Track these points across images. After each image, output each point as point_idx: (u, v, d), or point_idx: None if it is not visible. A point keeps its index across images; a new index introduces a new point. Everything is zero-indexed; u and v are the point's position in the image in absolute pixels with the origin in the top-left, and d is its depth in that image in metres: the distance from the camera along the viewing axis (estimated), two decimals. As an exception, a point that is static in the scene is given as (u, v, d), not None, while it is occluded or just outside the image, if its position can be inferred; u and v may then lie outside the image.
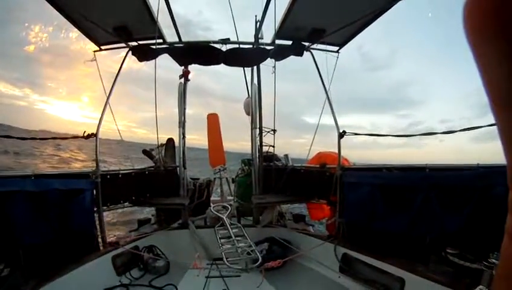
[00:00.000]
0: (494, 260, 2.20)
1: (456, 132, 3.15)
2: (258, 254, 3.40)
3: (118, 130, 4.86)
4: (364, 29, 3.94)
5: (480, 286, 2.13)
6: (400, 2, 3.22)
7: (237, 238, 3.77)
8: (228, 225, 4.12)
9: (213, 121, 6.18)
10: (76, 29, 3.87)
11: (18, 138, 3.79)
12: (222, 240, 3.74)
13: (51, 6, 3.50)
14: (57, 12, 3.48)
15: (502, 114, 0.29)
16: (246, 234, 3.88)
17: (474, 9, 0.27)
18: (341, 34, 4.08)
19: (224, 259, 3.30)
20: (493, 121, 0.30)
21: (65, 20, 3.63)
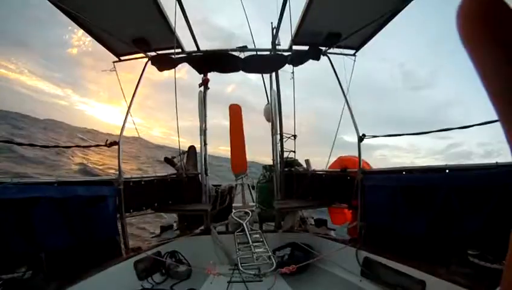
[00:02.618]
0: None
1: (472, 126, 3.08)
2: (273, 259, 3.39)
3: (136, 129, 4.81)
4: (380, 30, 3.93)
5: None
6: (412, 3, 3.21)
7: (255, 244, 3.77)
8: (247, 231, 4.13)
9: (235, 113, 6.10)
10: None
11: (41, 146, 3.93)
12: (240, 246, 3.75)
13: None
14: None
15: (504, 110, 0.30)
16: (264, 240, 3.88)
17: (465, 17, 0.28)
18: (357, 37, 4.08)
19: (239, 264, 3.31)
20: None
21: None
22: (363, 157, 4.23)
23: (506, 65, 0.27)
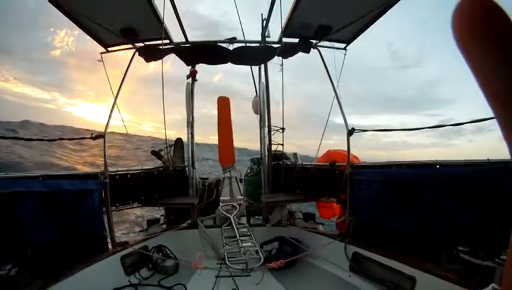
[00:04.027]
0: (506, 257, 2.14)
1: (463, 123, 3.12)
2: (261, 254, 3.37)
3: (125, 126, 4.82)
4: (371, 25, 3.90)
5: (493, 284, 2.07)
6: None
7: (242, 238, 3.76)
8: (234, 225, 4.11)
9: (224, 105, 6.05)
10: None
11: (26, 139, 3.82)
12: (227, 240, 3.73)
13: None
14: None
15: (501, 111, 0.29)
16: (251, 234, 3.86)
17: (462, 20, 0.28)
18: (348, 31, 4.04)
19: (226, 259, 3.30)
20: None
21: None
22: (353, 144, 4.22)
23: (505, 65, 0.27)
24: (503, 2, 0.29)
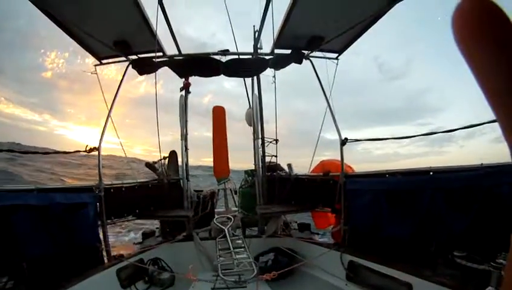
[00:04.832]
0: (502, 261, 2.16)
1: (455, 130, 3.15)
2: (254, 266, 3.36)
3: (122, 147, 4.91)
4: (362, 34, 3.96)
5: (489, 287, 2.08)
6: (400, 4, 3.24)
7: (236, 250, 3.75)
8: (228, 237, 4.09)
9: (219, 115, 6.05)
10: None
11: (20, 152, 3.81)
12: (221, 252, 3.72)
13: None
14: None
15: (502, 111, 0.29)
16: (246, 246, 3.84)
17: (462, 20, 0.28)
18: (340, 41, 4.10)
19: (219, 271, 3.29)
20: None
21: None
22: (345, 158, 4.23)
23: (505, 65, 0.27)
24: (503, 2, 0.30)
